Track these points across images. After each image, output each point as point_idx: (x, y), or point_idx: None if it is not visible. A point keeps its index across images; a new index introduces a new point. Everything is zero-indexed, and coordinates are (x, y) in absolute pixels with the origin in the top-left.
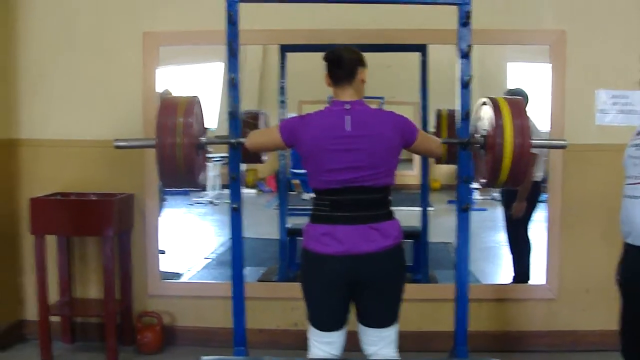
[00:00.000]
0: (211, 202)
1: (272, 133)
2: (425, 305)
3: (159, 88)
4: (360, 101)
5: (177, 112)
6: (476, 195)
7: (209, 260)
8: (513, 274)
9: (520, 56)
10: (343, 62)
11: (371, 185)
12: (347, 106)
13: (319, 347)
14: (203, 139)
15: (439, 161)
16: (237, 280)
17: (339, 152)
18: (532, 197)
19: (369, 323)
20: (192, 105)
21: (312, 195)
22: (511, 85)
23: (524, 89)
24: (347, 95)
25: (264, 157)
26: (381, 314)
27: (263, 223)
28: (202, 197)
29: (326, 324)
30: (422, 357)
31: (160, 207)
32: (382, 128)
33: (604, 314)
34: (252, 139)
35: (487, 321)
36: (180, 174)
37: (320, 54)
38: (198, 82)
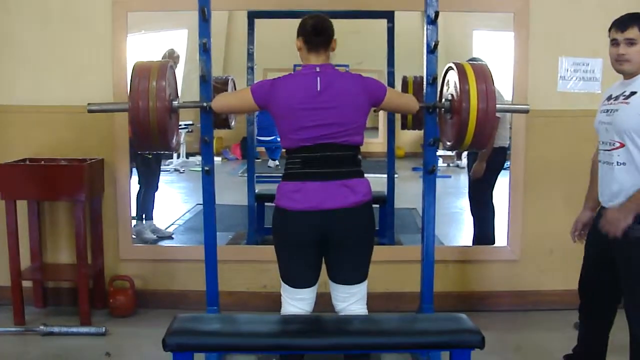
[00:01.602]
0: (176, 170)
1: (244, 95)
2: (392, 267)
3: (131, 55)
4: (329, 64)
5: (150, 76)
6: (440, 163)
7: (177, 226)
8: (473, 238)
9: (486, 24)
10: (324, 30)
11: (341, 142)
12: (318, 69)
13: (291, 303)
14: (175, 103)
15: (405, 126)
16: (210, 241)
17: (310, 110)
18: (497, 163)
19: (338, 280)
20: (164, 70)
21: (277, 163)
22: (476, 53)
23: (482, 58)
24: (320, 60)
25: (232, 123)
26: (350, 272)
27: (229, 190)
28: (167, 165)
29: (298, 281)
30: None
31: (131, 173)
32: (350, 88)
33: (564, 274)
34: (220, 101)
35: (452, 282)
36: (153, 138)
37: (286, 22)
38: (160, 50)
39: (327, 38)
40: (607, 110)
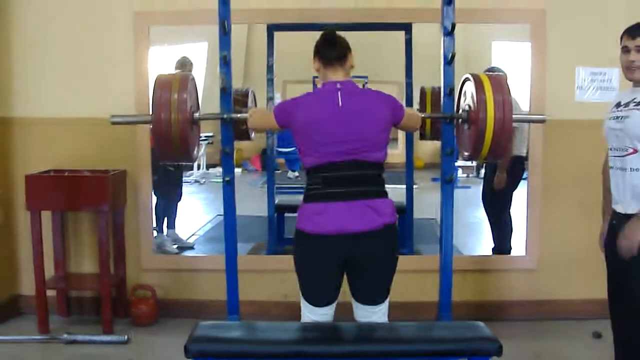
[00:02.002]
0: (197, 181)
1: (269, 117)
2: (411, 277)
3: (152, 67)
4: (350, 81)
5: (172, 88)
6: (460, 173)
7: (197, 237)
8: (493, 248)
9: (504, 35)
10: (337, 43)
11: (363, 159)
12: (339, 85)
13: (310, 317)
14: (197, 115)
15: (424, 137)
16: (230, 250)
17: (332, 125)
18: (516, 172)
19: (361, 300)
20: (185, 82)
21: (297, 174)
22: (496, 64)
23: (501, 68)
24: (339, 76)
25: (253, 135)
26: (374, 293)
27: (249, 201)
28: (188, 177)
29: (318, 301)
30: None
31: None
32: (371, 103)
33: (582, 283)
34: (254, 121)
35: (470, 291)
36: (175, 149)
37: (306, 34)
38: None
39: (341, 51)
40: (617, 117)
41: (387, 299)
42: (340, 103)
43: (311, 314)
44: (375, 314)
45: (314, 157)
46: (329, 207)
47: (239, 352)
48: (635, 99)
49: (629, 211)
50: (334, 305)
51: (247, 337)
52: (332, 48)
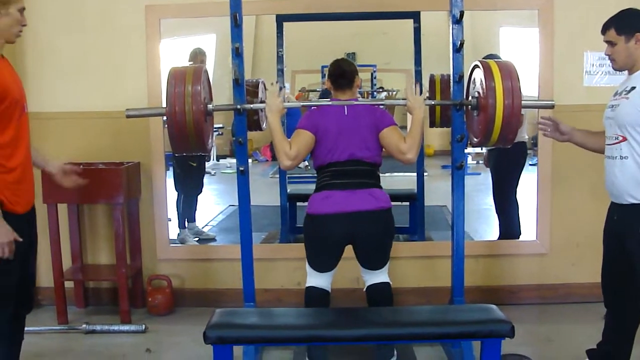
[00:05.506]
0: (208, 172)
1: (302, 137)
2: (423, 263)
3: (164, 59)
4: (354, 99)
5: (186, 80)
6: (470, 160)
7: (210, 227)
8: (499, 235)
9: (512, 21)
10: (345, 73)
11: (362, 158)
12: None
13: (312, 279)
14: (210, 106)
15: (434, 124)
16: (246, 238)
17: (340, 131)
18: (519, 158)
19: (365, 267)
20: (199, 74)
21: (306, 163)
22: (504, 50)
23: (499, 55)
24: (346, 96)
25: (264, 125)
26: (374, 262)
27: (260, 191)
28: None
29: (320, 268)
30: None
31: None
32: (368, 114)
33: (593, 267)
34: (295, 158)
35: (482, 276)
36: (190, 140)
37: (314, 24)
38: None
39: (350, 79)
40: (612, 106)
41: (387, 264)
42: (346, 112)
43: (313, 277)
44: (377, 275)
45: (326, 158)
46: (332, 193)
47: (256, 337)
48: (626, 87)
49: (622, 201)
50: (333, 272)
51: (264, 322)
52: (342, 77)
